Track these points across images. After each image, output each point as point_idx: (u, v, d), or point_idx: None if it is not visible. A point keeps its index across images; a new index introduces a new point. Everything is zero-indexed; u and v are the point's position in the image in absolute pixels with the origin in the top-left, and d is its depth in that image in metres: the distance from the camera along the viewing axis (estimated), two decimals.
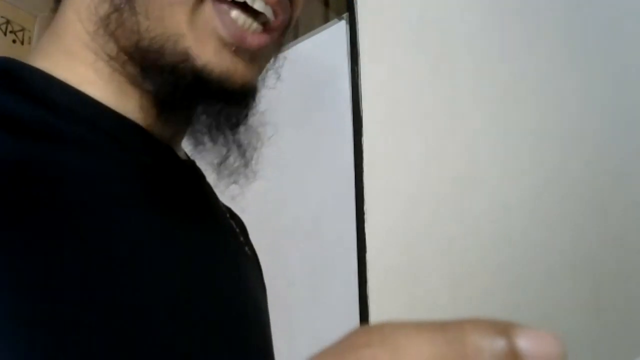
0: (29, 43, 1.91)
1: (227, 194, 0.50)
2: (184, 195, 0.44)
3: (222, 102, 0.41)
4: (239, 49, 0.40)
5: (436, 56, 1.16)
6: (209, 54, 0.39)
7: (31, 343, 0.29)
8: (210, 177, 0.51)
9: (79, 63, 0.41)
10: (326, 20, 1.47)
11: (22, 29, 1.90)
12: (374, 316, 1.12)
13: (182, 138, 0.48)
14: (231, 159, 0.46)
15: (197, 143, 0.45)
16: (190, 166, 0.48)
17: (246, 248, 0.53)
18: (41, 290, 0.30)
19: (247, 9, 0.40)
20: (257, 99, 0.46)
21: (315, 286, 1.28)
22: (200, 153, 0.46)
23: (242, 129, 0.45)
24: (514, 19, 1.07)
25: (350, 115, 1.29)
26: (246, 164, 0.47)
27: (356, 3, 1.33)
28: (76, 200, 0.34)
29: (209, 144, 0.45)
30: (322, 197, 1.32)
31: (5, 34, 1.86)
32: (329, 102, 1.37)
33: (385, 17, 1.27)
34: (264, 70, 0.47)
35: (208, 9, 0.39)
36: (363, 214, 1.19)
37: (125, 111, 0.42)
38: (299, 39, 1.49)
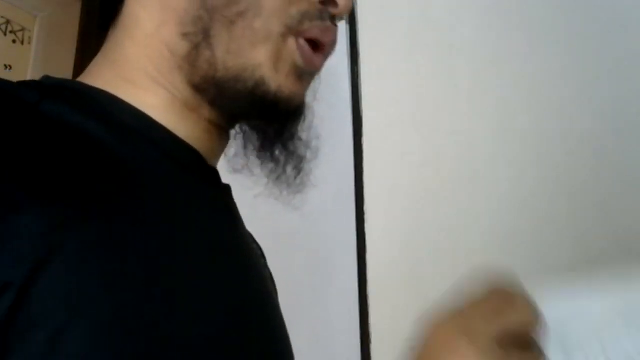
0: (29, 43, 1.91)
1: (288, 202, 0.53)
2: (225, 217, 0.49)
3: (282, 121, 0.47)
4: (303, 73, 0.46)
5: (436, 56, 1.16)
6: (281, 78, 0.44)
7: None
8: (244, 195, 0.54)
9: (141, 90, 0.45)
10: None
11: (22, 29, 1.90)
12: (374, 316, 1.12)
13: (218, 161, 0.52)
14: (288, 170, 0.52)
15: (260, 157, 0.50)
16: (228, 190, 0.52)
17: (267, 270, 0.58)
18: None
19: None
20: (306, 118, 0.51)
21: (315, 286, 1.28)
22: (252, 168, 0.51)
23: (295, 142, 0.51)
24: (514, 19, 1.07)
25: (350, 115, 1.29)
26: (301, 175, 0.53)
27: (356, 3, 1.33)
28: (143, 213, 0.38)
29: (261, 160, 0.50)
30: (322, 197, 1.32)
31: (5, 34, 1.86)
32: (329, 102, 1.37)
33: (385, 17, 1.27)
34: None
35: (291, 45, 0.45)
36: (363, 214, 1.19)
37: (183, 134, 0.45)
38: None
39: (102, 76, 0.45)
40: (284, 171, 0.51)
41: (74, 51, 1.84)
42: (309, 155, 0.53)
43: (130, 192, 0.38)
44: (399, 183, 1.15)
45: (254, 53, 0.43)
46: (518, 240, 0.98)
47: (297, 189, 0.53)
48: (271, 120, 0.47)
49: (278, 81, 0.44)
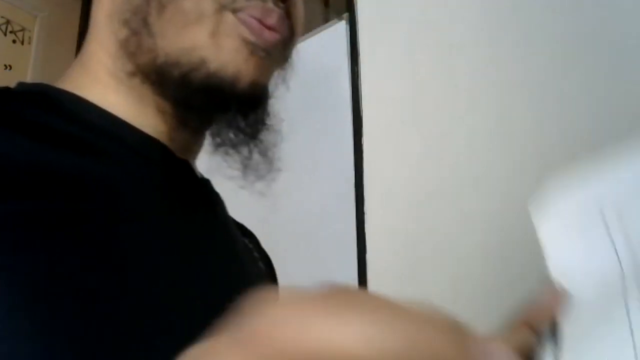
0: (29, 43, 1.91)
1: (255, 189, 0.52)
2: (199, 208, 0.47)
3: (235, 102, 0.44)
4: (255, 48, 0.43)
5: (436, 56, 1.16)
6: (224, 54, 0.43)
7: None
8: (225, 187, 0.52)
9: (102, 87, 0.46)
10: (326, 20, 1.47)
11: (22, 29, 1.90)
12: None
13: (196, 155, 0.52)
14: (254, 158, 0.49)
15: (219, 147, 0.48)
16: (205, 183, 0.51)
17: (260, 263, 0.56)
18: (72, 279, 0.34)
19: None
20: (271, 101, 0.50)
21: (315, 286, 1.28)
22: (224, 157, 0.49)
23: (260, 128, 0.48)
24: (514, 19, 1.07)
25: (350, 115, 1.29)
26: (269, 162, 0.51)
27: (356, 3, 1.33)
28: (104, 206, 0.38)
29: (230, 150, 0.48)
30: (322, 197, 1.32)
31: (5, 34, 1.86)
32: (329, 102, 1.37)
33: (385, 17, 1.27)
34: (273, 77, 0.50)
35: (230, 19, 0.43)
36: (363, 214, 1.19)
37: (148, 129, 0.46)
38: (299, 39, 1.49)
39: (73, 79, 0.47)
40: (250, 158, 0.50)
41: (74, 51, 1.84)
42: (275, 140, 0.51)
43: (91, 185, 0.38)
44: (399, 183, 1.15)
45: (190, 35, 0.43)
46: (518, 240, 0.98)
47: (265, 176, 0.52)
48: (224, 104, 0.44)
49: (220, 60, 0.43)
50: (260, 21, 0.44)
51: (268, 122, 0.50)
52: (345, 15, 1.37)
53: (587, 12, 0.99)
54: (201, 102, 0.44)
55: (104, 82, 0.46)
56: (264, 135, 0.50)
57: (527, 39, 1.05)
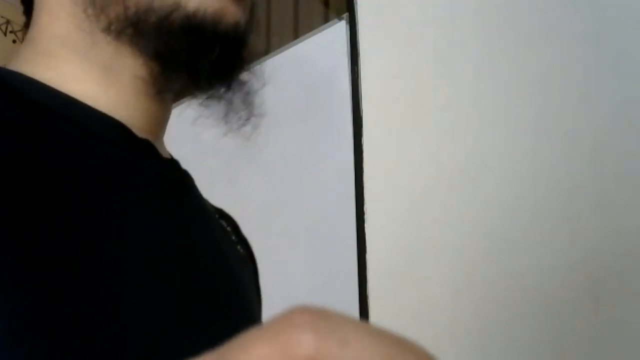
0: None
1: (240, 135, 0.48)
2: (165, 190, 0.44)
3: (220, 44, 0.41)
4: None
5: (436, 56, 1.16)
6: None
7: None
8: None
9: (56, 61, 0.42)
10: (326, 20, 1.47)
11: (22, 29, 1.90)
12: (374, 316, 1.12)
13: (162, 135, 0.49)
14: (236, 103, 0.46)
15: (202, 96, 0.45)
16: (171, 163, 0.48)
17: (238, 247, 0.53)
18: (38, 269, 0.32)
19: None
20: (250, 48, 0.46)
21: (315, 286, 1.28)
22: (205, 105, 0.45)
23: (240, 72, 0.46)
24: (514, 19, 1.07)
25: (350, 115, 1.29)
26: (251, 106, 0.48)
27: (356, 3, 1.33)
28: (57, 193, 0.35)
29: (211, 97, 0.45)
30: (322, 197, 1.32)
31: (5, 34, 1.86)
32: (329, 102, 1.37)
33: (385, 17, 1.27)
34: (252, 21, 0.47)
35: None
36: (363, 214, 1.19)
37: (105, 106, 0.42)
38: (299, 39, 1.49)
39: (22, 56, 0.44)
40: (232, 104, 0.47)
41: None
42: (256, 84, 0.48)
43: (33, 171, 0.36)
44: (399, 183, 1.15)
45: None
46: (518, 240, 0.98)
47: (249, 123, 0.49)
48: (209, 47, 0.41)
49: (196, 1, 0.40)
50: None
51: (248, 65, 0.47)
52: (345, 15, 1.37)
53: (587, 12, 0.99)
54: (183, 47, 0.41)
55: (55, 55, 0.43)
56: (245, 79, 0.47)
57: (527, 38, 1.05)
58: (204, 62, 0.42)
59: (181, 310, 0.39)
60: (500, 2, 1.10)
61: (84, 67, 0.42)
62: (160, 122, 0.47)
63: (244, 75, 0.46)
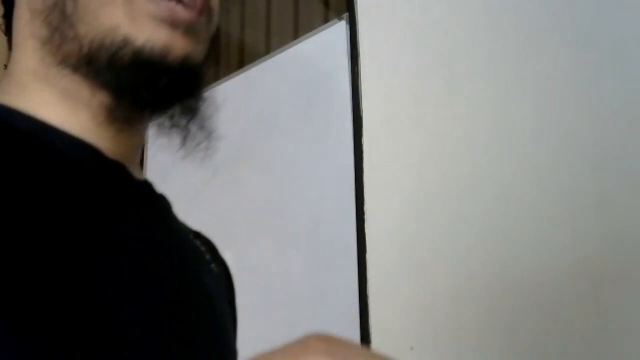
0: None
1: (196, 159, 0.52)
2: (135, 211, 0.46)
3: (167, 76, 0.44)
4: (173, 23, 0.44)
5: (436, 56, 1.16)
6: (147, 33, 0.43)
7: None
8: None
9: (30, 91, 0.46)
10: (326, 20, 1.47)
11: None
12: (373, 316, 1.12)
13: (136, 158, 0.51)
14: (192, 130, 0.49)
15: (161, 127, 0.48)
16: (143, 185, 0.50)
17: (212, 265, 0.55)
18: None
19: None
20: (204, 78, 0.49)
21: (315, 286, 1.28)
22: (163, 131, 0.49)
23: (196, 103, 0.48)
24: (514, 19, 1.07)
25: (350, 115, 1.29)
26: (207, 132, 0.50)
27: (356, 3, 1.33)
28: (23, 217, 0.37)
29: (168, 123, 0.48)
30: (322, 197, 1.32)
31: (5, 34, 1.85)
32: (329, 102, 1.37)
33: (385, 17, 1.27)
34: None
35: (139, 1, 0.44)
36: (363, 214, 1.19)
37: (77, 130, 0.45)
38: (299, 39, 1.49)
39: (2, 88, 0.48)
40: (188, 131, 0.49)
41: None
42: (210, 111, 0.50)
43: (15, 192, 0.38)
44: (399, 183, 1.15)
45: (107, 17, 0.43)
46: (517, 239, 0.98)
47: (203, 146, 0.51)
48: (155, 80, 0.44)
49: (144, 36, 0.43)
50: None
51: (203, 94, 0.49)
52: (345, 15, 1.37)
53: (588, 12, 0.99)
54: (134, 81, 0.43)
55: (28, 86, 0.46)
56: (200, 107, 0.49)
57: (527, 38, 1.05)
58: (150, 93, 0.45)
59: (151, 332, 0.40)
60: (500, 2, 1.10)
61: (53, 96, 0.46)
62: (130, 147, 0.49)
63: (199, 103, 0.49)
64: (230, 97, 1.63)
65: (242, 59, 1.71)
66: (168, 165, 1.74)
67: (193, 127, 0.49)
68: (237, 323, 0.61)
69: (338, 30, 1.38)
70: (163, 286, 0.43)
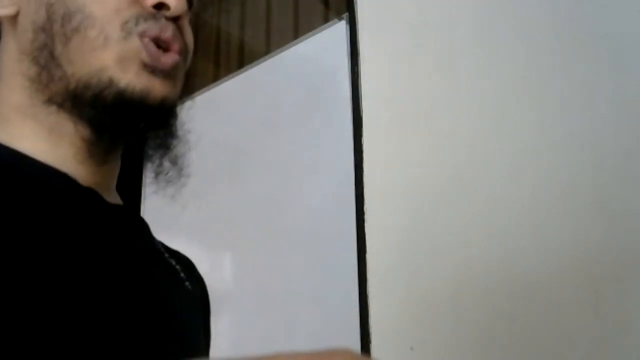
0: None
1: (167, 194, 0.56)
2: (102, 233, 0.50)
3: (146, 116, 0.49)
4: (155, 69, 0.49)
5: (436, 56, 1.16)
6: (130, 76, 0.48)
7: None
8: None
9: (13, 126, 0.50)
10: (326, 20, 1.47)
11: None
12: (373, 316, 1.12)
13: (111, 185, 0.55)
14: (165, 166, 0.54)
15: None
16: (117, 209, 0.54)
17: (187, 283, 0.58)
18: None
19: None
20: (178, 116, 0.54)
21: (315, 286, 1.28)
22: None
23: (170, 139, 0.53)
24: (514, 19, 1.07)
25: (350, 115, 1.29)
26: (179, 169, 0.55)
27: (356, 3, 1.33)
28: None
29: (145, 163, 0.53)
30: (322, 197, 1.32)
31: None
32: (329, 102, 1.37)
33: (385, 17, 1.27)
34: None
35: (136, 43, 0.49)
36: (363, 214, 1.19)
37: (56, 162, 0.49)
38: (299, 39, 1.49)
39: None
40: (162, 167, 0.54)
41: None
42: (184, 149, 0.55)
43: None
44: (399, 183, 1.15)
45: (97, 59, 0.48)
46: (517, 239, 0.98)
47: (175, 182, 0.55)
48: (136, 118, 0.49)
49: (127, 79, 0.48)
50: (158, 39, 0.49)
51: (177, 133, 0.54)
52: (345, 15, 1.37)
53: (587, 12, 0.99)
54: (115, 118, 0.48)
55: (11, 120, 0.50)
56: (174, 145, 0.54)
57: (527, 39, 1.05)
58: (129, 131, 0.50)
59: (109, 344, 0.43)
60: (500, 2, 1.10)
61: (34, 129, 0.50)
62: (106, 176, 0.53)
63: (173, 140, 0.53)
64: (230, 97, 1.63)
65: (242, 59, 1.71)
66: None
67: (166, 163, 0.54)
68: (210, 337, 0.64)
69: (338, 30, 1.38)
70: (123, 301, 0.46)
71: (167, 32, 0.50)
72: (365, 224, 1.18)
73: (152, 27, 0.49)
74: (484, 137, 1.06)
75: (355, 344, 1.14)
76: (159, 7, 0.50)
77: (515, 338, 0.95)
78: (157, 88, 0.49)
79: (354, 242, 1.20)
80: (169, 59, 0.50)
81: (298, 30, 1.56)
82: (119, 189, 0.56)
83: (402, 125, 1.18)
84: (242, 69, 1.63)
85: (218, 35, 1.84)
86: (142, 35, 0.49)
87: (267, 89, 1.52)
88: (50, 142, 0.50)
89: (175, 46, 0.51)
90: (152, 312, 0.49)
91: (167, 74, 0.50)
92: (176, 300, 0.55)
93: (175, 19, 0.51)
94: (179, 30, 0.52)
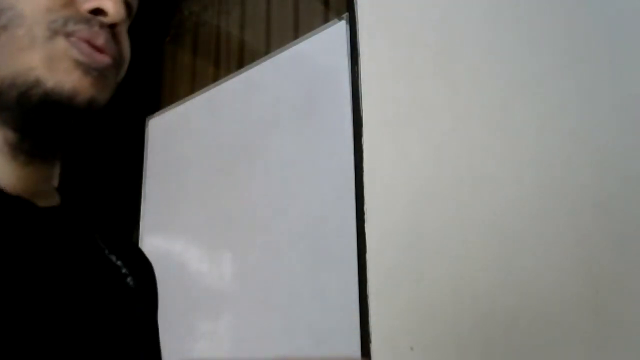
0: None
1: None
2: (30, 241, 0.49)
3: (74, 117, 0.48)
4: (87, 68, 0.48)
5: (436, 56, 1.16)
6: (59, 75, 0.47)
7: None
8: None
9: None
10: (326, 20, 1.47)
11: None
12: (373, 316, 1.12)
13: (44, 188, 0.54)
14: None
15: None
16: (48, 211, 0.53)
17: (129, 279, 0.57)
18: None
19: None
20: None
21: (315, 286, 1.28)
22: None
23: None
24: (514, 19, 1.07)
25: (350, 115, 1.29)
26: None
27: (356, 3, 1.33)
28: None
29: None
30: (322, 197, 1.32)
31: None
32: (329, 102, 1.37)
33: (385, 17, 1.27)
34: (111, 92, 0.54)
35: (62, 43, 0.47)
36: (363, 214, 1.19)
37: None
38: (299, 39, 1.49)
39: None
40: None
41: None
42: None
43: None
44: (399, 183, 1.15)
45: (24, 58, 0.46)
46: (517, 239, 0.98)
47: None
48: (63, 119, 0.48)
49: (55, 79, 0.46)
50: (89, 43, 0.48)
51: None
52: (345, 15, 1.37)
53: (588, 12, 0.99)
54: (41, 119, 0.47)
55: None
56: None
57: (528, 38, 1.05)
58: (55, 132, 0.49)
59: (27, 343, 0.43)
60: (500, 2, 1.10)
61: None
62: (35, 180, 0.52)
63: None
64: (230, 97, 1.63)
65: (242, 59, 1.71)
66: (168, 166, 1.74)
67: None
68: (158, 332, 0.63)
69: (338, 30, 1.38)
70: (39, 305, 0.45)
71: (99, 39, 0.49)
72: (365, 224, 1.18)
73: (83, 30, 0.48)
74: (483, 136, 1.06)
75: (355, 344, 1.14)
76: (96, 12, 0.49)
77: (515, 338, 0.95)
78: (87, 88, 0.47)
79: (354, 242, 1.20)
80: (102, 58, 0.49)
81: (298, 30, 1.56)
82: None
83: (402, 125, 1.18)
84: (242, 69, 1.63)
85: (218, 35, 1.84)
86: (69, 35, 0.47)
87: (267, 89, 1.52)
88: None
89: (109, 52, 0.50)
90: (73, 314, 0.48)
91: (100, 73, 0.48)
92: (110, 298, 0.54)
93: (112, 26, 0.50)
94: (115, 38, 0.51)
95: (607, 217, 0.90)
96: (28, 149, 0.49)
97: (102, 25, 0.49)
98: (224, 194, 1.52)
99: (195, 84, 1.82)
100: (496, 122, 1.05)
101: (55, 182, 0.56)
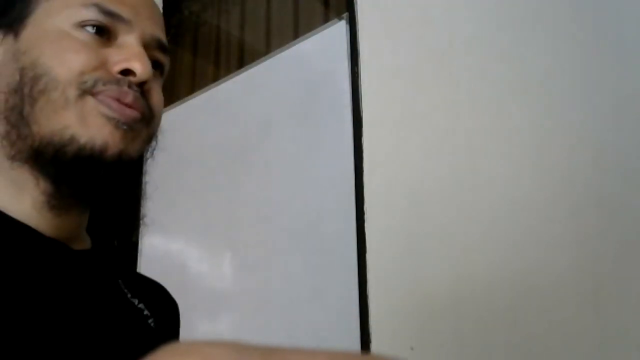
0: None
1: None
2: (66, 284, 0.53)
3: (105, 169, 0.51)
4: (117, 123, 0.51)
5: (436, 56, 1.16)
6: (92, 130, 0.51)
7: None
8: None
9: None
10: (326, 20, 1.47)
11: None
12: (374, 316, 1.12)
13: (79, 233, 0.58)
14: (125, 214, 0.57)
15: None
16: (82, 255, 0.57)
17: (150, 321, 0.60)
18: None
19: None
20: (141, 168, 0.57)
21: (315, 286, 1.28)
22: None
23: (132, 190, 0.57)
24: (515, 19, 1.07)
25: (350, 115, 1.29)
26: (143, 216, 0.59)
27: (356, 3, 1.33)
28: None
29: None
30: (322, 197, 1.32)
31: None
32: (329, 102, 1.37)
33: (385, 17, 1.27)
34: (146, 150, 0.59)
35: (91, 101, 0.51)
36: (363, 214, 1.19)
37: (20, 214, 0.52)
38: (299, 39, 1.49)
39: None
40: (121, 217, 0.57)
41: None
42: (144, 198, 0.58)
43: None
44: (399, 182, 1.15)
45: (60, 119, 0.51)
46: (517, 238, 0.98)
47: (137, 231, 0.58)
48: (95, 171, 0.52)
49: (88, 134, 0.51)
50: (118, 100, 0.52)
51: (136, 187, 0.57)
52: (345, 15, 1.37)
53: (588, 11, 0.99)
54: (75, 172, 0.51)
55: None
56: (133, 197, 0.57)
57: (528, 38, 1.05)
58: (87, 184, 0.52)
59: None
60: (500, 2, 1.10)
61: (1, 184, 0.54)
62: (69, 227, 0.56)
63: (133, 193, 0.57)
64: (230, 97, 1.63)
65: (242, 59, 1.71)
66: (168, 166, 1.74)
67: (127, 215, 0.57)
68: None
69: (338, 30, 1.38)
70: (76, 348, 0.48)
71: (128, 97, 0.52)
72: (365, 224, 1.19)
73: (112, 90, 0.52)
74: (483, 136, 1.06)
75: (355, 344, 1.14)
76: (126, 73, 0.53)
77: (516, 338, 0.95)
78: (117, 142, 0.51)
79: (354, 242, 1.20)
80: (132, 112, 0.53)
81: (298, 30, 1.56)
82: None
83: (402, 125, 1.18)
84: (242, 69, 1.63)
85: (218, 35, 1.84)
86: (97, 94, 0.51)
87: (267, 89, 1.52)
88: (15, 196, 0.53)
89: (138, 108, 0.53)
90: (102, 353, 0.51)
91: (130, 126, 0.52)
92: (133, 338, 0.57)
93: (142, 84, 0.54)
94: (146, 95, 0.55)
95: (607, 217, 0.90)
96: (63, 198, 0.53)
97: (130, 85, 0.53)
98: (224, 194, 1.52)
99: (195, 84, 1.82)
100: (496, 122, 1.05)
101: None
